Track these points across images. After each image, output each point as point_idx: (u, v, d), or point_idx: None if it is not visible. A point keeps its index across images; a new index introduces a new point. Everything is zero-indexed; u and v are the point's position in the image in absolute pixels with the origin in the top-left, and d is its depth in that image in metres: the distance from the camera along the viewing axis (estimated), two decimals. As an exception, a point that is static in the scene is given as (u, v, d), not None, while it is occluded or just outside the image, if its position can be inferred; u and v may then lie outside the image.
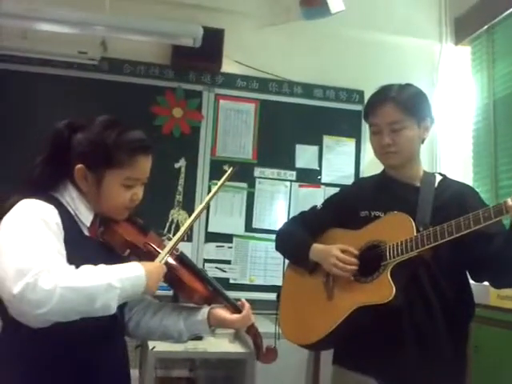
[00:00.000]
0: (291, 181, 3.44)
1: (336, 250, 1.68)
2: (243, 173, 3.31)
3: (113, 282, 1.18)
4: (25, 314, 1.11)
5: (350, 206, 1.80)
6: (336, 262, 1.66)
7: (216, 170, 3.31)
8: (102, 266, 1.21)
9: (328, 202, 1.94)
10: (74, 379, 1.29)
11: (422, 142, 1.78)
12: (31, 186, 1.33)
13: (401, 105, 1.69)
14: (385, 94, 1.72)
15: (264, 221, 3.37)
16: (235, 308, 1.44)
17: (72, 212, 1.34)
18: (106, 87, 3.22)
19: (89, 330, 1.23)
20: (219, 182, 1.51)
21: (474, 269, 1.67)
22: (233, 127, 3.41)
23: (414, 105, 1.71)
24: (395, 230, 1.63)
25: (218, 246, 3.30)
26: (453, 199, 1.69)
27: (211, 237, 3.30)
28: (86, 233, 1.36)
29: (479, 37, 3.47)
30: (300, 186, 3.44)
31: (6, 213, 1.26)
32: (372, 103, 1.76)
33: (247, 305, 1.45)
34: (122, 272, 1.22)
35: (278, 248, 1.94)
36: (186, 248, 3.09)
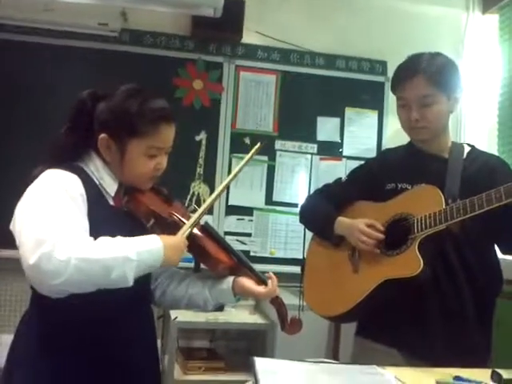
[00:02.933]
0: (312, 154, 3.40)
1: (362, 225, 1.66)
2: (264, 145, 3.28)
3: (130, 254, 1.18)
4: (40, 283, 1.13)
5: (376, 179, 1.77)
6: (361, 236, 1.65)
7: (236, 143, 3.29)
8: (119, 238, 1.21)
9: (353, 174, 1.91)
10: (102, 344, 1.30)
11: (451, 112, 1.74)
12: (56, 156, 1.34)
13: (431, 78, 1.62)
14: (414, 66, 1.65)
15: (285, 194, 3.36)
16: (260, 279, 1.44)
17: (96, 181, 1.34)
18: (127, 59, 3.20)
19: (117, 298, 1.24)
20: (246, 157, 1.50)
21: (503, 241, 1.64)
22: (253, 99, 3.37)
23: (445, 77, 1.65)
24: (423, 203, 1.60)
25: (238, 219, 3.31)
26: (482, 171, 1.66)
27: (232, 210, 3.30)
28: (111, 202, 1.36)
29: (508, 4, 3.35)
30: (321, 159, 3.41)
31: (30, 183, 1.27)
32: (400, 76, 1.69)
33: (274, 277, 1.44)
34: (139, 244, 1.22)
35: (301, 221, 1.93)
36: (206, 220, 3.10)
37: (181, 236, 1.33)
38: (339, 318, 1.78)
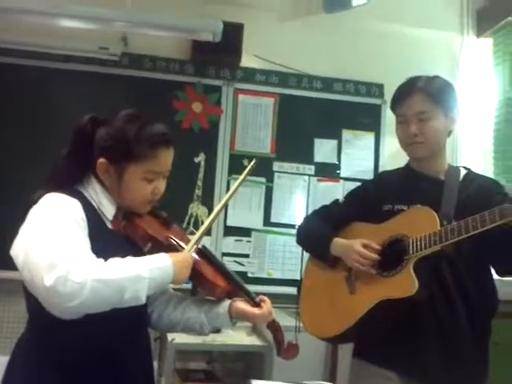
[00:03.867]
0: (310, 175, 3.43)
1: (358, 245, 1.68)
2: (262, 167, 3.31)
3: (141, 272, 1.19)
4: (56, 306, 1.13)
5: (373, 200, 1.80)
6: (357, 257, 1.66)
7: (235, 165, 3.31)
8: (129, 258, 1.23)
9: (350, 195, 1.93)
10: (101, 369, 1.31)
11: (449, 135, 1.77)
12: (56, 179, 1.35)
13: (429, 95, 1.68)
14: (413, 85, 1.72)
15: (282, 215, 3.37)
16: (255, 302, 1.44)
17: (95, 205, 1.36)
18: (127, 82, 3.25)
19: (118, 320, 1.25)
20: (242, 175, 1.51)
21: (498, 263, 1.65)
22: (252, 121, 3.41)
23: (442, 95, 1.71)
24: (419, 224, 1.62)
25: (236, 240, 3.32)
26: (478, 193, 1.68)
27: (230, 231, 3.31)
28: (110, 226, 1.37)
29: (501, 28, 3.42)
30: (319, 180, 3.43)
31: (31, 207, 1.28)
32: (400, 93, 1.75)
33: (267, 300, 1.44)
34: (150, 262, 1.24)
35: (298, 241, 1.95)
36: (204, 242, 3.10)
37: (187, 252, 1.35)
38: (335, 340, 1.78)
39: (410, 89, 1.72)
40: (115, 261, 1.20)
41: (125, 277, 1.17)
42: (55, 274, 1.11)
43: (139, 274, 1.19)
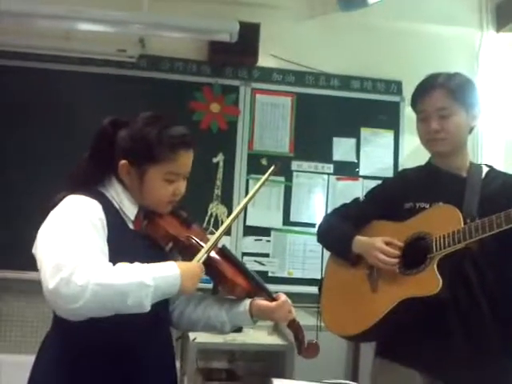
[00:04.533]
0: (329, 174, 3.41)
1: (380, 243, 1.67)
2: (280, 166, 3.31)
3: (146, 280, 1.19)
4: (59, 307, 1.15)
5: (394, 198, 1.79)
6: (379, 254, 1.66)
7: (253, 164, 3.32)
8: (137, 264, 1.22)
9: (371, 193, 1.92)
10: (122, 367, 1.32)
11: (470, 132, 1.75)
12: (78, 181, 1.37)
13: (450, 91, 1.67)
14: (433, 81, 1.71)
15: (302, 214, 3.36)
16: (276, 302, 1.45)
17: (117, 206, 1.38)
18: (145, 84, 3.27)
19: (139, 319, 1.26)
20: (262, 178, 1.53)
21: None
22: (269, 121, 3.41)
23: (463, 92, 1.69)
24: (442, 222, 1.61)
25: (256, 240, 3.32)
26: (501, 191, 1.66)
27: (249, 230, 3.31)
28: (131, 226, 1.39)
29: (522, 23, 3.37)
30: (337, 178, 3.42)
31: (52, 208, 1.30)
32: (420, 90, 1.74)
33: (284, 296, 1.44)
34: (156, 271, 1.23)
35: (319, 240, 1.94)
36: (224, 242, 3.10)
37: (197, 262, 1.34)
38: (357, 338, 1.77)
39: (431, 85, 1.70)
40: (122, 266, 1.20)
41: (127, 283, 1.17)
42: (59, 276, 1.12)
43: (143, 282, 1.18)
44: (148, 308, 1.20)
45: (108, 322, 1.20)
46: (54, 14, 2.88)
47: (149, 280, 1.19)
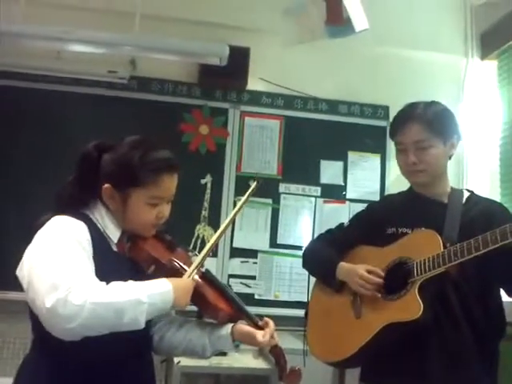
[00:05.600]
0: (316, 196, 3.43)
1: (361, 270, 1.69)
2: (268, 188, 3.33)
3: (141, 297, 1.20)
4: (55, 327, 1.15)
5: (377, 223, 1.81)
6: (362, 281, 1.67)
7: (241, 186, 3.32)
8: (130, 282, 1.24)
9: (355, 219, 1.95)
10: None
11: (450, 158, 1.78)
12: (63, 204, 1.38)
13: (426, 124, 1.69)
14: (410, 113, 1.73)
15: (289, 236, 3.37)
16: (258, 326, 1.44)
17: (101, 228, 1.38)
18: (135, 105, 3.29)
19: (120, 344, 1.26)
20: (245, 196, 1.54)
21: (507, 284, 1.64)
22: (258, 143, 3.44)
23: (440, 123, 1.71)
24: (422, 247, 1.63)
25: (242, 262, 3.31)
26: (481, 216, 1.69)
27: (236, 252, 3.31)
28: (115, 248, 1.39)
29: (506, 51, 3.44)
30: (325, 201, 3.44)
31: (38, 229, 1.30)
32: (397, 122, 1.76)
33: (270, 322, 1.44)
34: (150, 288, 1.24)
35: (305, 266, 1.96)
36: (211, 263, 3.11)
37: (188, 277, 1.35)
38: (341, 364, 1.77)
39: (407, 117, 1.72)
40: (116, 284, 1.21)
41: (124, 301, 1.18)
42: (55, 296, 1.12)
43: (139, 299, 1.20)
44: (143, 325, 1.22)
45: (91, 347, 1.20)
46: (45, 34, 2.90)
47: (144, 297, 1.20)
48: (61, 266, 1.19)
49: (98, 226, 1.38)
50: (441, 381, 1.59)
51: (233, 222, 2.99)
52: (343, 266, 1.77)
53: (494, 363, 1.67)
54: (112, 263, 1.34)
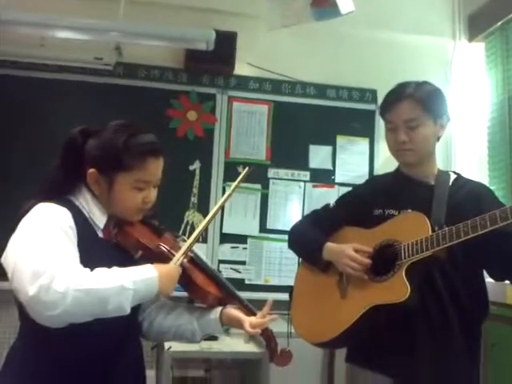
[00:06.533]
0: (305, 181, 3.44)
1: (349, 250, 1.69)
2: (257, 174, 3.33)
3: (125, 283, 1.20)
4: (39, 314, 1.14)
5: (364, 205, 1.80)
6: (349, 261, 1.67)
7: (230, 172, 3.33)
8: (115, 269, 1.23)
9: (341, 200, 1.94)
10: (90, 379, 1.31)
11: (438, 140, 1.78)
12: (47, 190, 1.37)
13: (417, 102, 1.69)
14: (401, 91, 1.73)
15: (278, 221, 3.38)
16: (249, 310, 1.45)
17: (86, 214, 1.37)
18: (122, 91, 3.27)
19: (108, 330, 1.26)
20: (234, 183, 1.53)
21: (492, 268, 1.66)
22: (246, 129, 3.43)
23: (431, 102, 1.71)
24: (410, 229, 1.63)
25: (232, 247, 3.33)
26: (467, 198, 1.69)
27: (226, 238, 3.32)
28: (100, 234, 1.39)
29: (493, 33, 3.44)
30: (314, 186, 3.45)
31: (23, 216, 1.29)
32: (388, 100, 1.76)
33: (267, 309, 1.43)
34: (135, 274, 1.24)
35: (290, 246, 1.96)
36: (201, 249, 3.12)
37: (174, 264, 1.35)
38: (327, 345, 1.78)
39: (399, 96, 1.72)
40: (100, 271, 1.21)
41: (108, 287, 1.18)
42: (38, 283, 1.12)
43: (123, 286, 1.19)
44: (128, 311, 1.21)
45: (78, 333, 1.20)
46: (29, 21, 2.86)
47: (128, 284, 1.20)
48: (44, 253, 1.18)
49: (84, 212, 1.37)
50: (427, 362, 1.60)
51: (222, 207, 3.00)
52: (330, 245, 1.77)
53: (477, 344, 1.69)
54: (98, 250, 1.34)
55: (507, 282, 1.67)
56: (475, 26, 3.60)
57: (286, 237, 3.22)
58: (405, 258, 1.60)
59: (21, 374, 1.31)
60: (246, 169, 1.60)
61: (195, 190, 3.30)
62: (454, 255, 1.60)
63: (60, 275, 1.14)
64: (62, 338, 1.22)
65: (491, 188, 1.86)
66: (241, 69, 3.41)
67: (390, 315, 1.57)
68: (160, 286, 1.27)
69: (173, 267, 1.34)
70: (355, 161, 3.50)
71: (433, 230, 1.59)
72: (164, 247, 1.40)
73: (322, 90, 3.52)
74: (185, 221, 3.27)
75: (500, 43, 3.39)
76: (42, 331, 1.18)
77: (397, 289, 1.56)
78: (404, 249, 1.61)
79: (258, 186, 3.37)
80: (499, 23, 3.33)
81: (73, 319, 1.16)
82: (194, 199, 3.30)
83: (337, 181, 3.47)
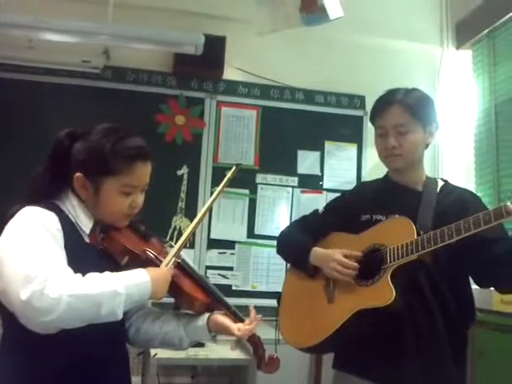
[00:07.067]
0: (293, 187, 3.44)
1: (338, 255, 1.69)
2: (245, 179, 3.33)
3: (118, 288, 1.19)
4: (31, 320, 1.12)
5: (352, 210, 1.81)
6: (336, 265, 1.67)
7: (218, 177, 3.31)
8: (107, 273, 1.22)
9: (329, 205, 1.95)
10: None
11: (426, 147, 1.79)
12: (33, 194, 1.35)
13: (407, 108, 1.70)
14: (391, 97, 1.74)
15: (266, 227, 3.38)
16: (236, 316, 1.43)
17: (73, 219, 1.35)
18: (110, 95, 3.25)
19: (94, 336, 1.24)
20: (224, 180, 1.52)
21: (476, 274, 1.66)
22: (235, 134, 3.43)
23: (421, 109, 1.72)
24: (396, 234, 1.63)
25: (220, 253, 3.31)
26: (454, 204, 1.70)
27: (213, 243, 3.30)
28: (87, 240, 1.37)
29: (480, 40, 3.48)
30: (302, 191, 3.45)
31: (8, 220, 1.27)
32: (378, 106, 1.77)
33: (254, 315, 1.42)
34: (127, 278, 1.23)
35: (278, 251, 1.96)
36: (188, 255, 3.07)
37: (165, 267, 1.34)
38: (313, 350, 1.77)
39: (389, 101, 1.73)
40: (92, 276, 1.19)
41: (101, 293, 1.16)
42: (31, 288, 1.10)
43: (116, 290, 1.18)
44: (121, 316, 1.20)
45: (62, 339, 1.18)
46: (17, 22, 2.84)
47: (121, 288, 1.19)
48: (34, 257, 1.16)
49: (70, 217, 1.35)
50: (412, 366, 1.60)
51: (210, 211, 2.98)
52: (317, 250, 1.77)
53: (463, 349, 1.69)
54: (84, 255, 1.32)
55: (492, 288, 1.68)
56: (463, 34, 3.64)
57: (273, 242, 3.21)
58: (390, 262, 1.61)
59: (2, 381, 1.29)
60: (234, 166, 1.58)
61: (183, 195, 3.29)
62: (439, 260, 1.61)
63: (53, 280, 1.12)
64: (45, 344, 1.20)
65: (478, 195, 1.87)
66: (230, 73, 3.41)
67: (377, 320, 1.57)
68: (152, 290, 1.26)
69: (164, 271, 1.33)
70: (343, 166, 3.51)
71: (418, 234, 1.59)
72: (151, 253, 1.39)
73: (310, 95, 3.53)
74: (172, 226, 3.25)
75: (487, 51, 3.43)
76: (23, 334, 1.16)
77: (382, 293, 1.56)
78: (389, 253, 1.62)
79: (246, 192, 3.36)
80: (486, 31, 3.37)
81: (65, 325, 1.14)
82: (181, 204, 3.28)
83: (325, 186, 3.47)
